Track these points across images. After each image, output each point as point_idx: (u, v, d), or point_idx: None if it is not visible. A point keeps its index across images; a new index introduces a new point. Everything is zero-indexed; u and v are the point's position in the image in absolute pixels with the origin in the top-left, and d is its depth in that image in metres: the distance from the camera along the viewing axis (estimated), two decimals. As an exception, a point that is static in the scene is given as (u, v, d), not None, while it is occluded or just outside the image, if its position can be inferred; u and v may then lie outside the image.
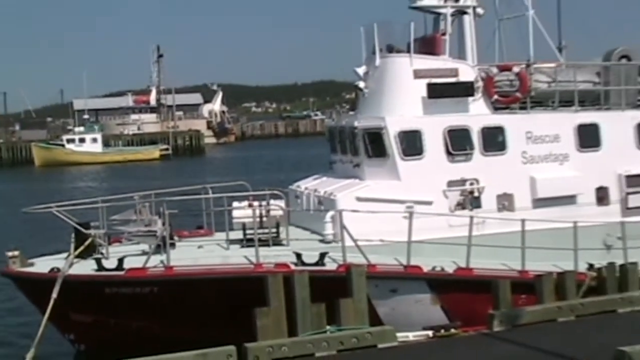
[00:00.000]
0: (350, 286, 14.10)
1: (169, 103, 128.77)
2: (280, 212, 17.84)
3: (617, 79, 19.97)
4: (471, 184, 18.22)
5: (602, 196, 19.16)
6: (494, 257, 16.86)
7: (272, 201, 18.30)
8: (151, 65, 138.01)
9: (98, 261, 16.41)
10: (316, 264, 16.15)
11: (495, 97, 18.79)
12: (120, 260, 16.29)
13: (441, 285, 16.79)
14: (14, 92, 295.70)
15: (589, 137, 19.15)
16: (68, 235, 17.21)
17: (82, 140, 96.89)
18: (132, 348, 12.70)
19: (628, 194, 19.25)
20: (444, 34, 19.15)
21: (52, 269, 16.45)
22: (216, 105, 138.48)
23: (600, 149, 19.26)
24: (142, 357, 11.82)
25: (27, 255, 17.45)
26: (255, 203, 17.89)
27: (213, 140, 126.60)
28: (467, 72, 18.78)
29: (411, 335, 14.06)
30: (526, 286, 15.73)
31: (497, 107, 18.95)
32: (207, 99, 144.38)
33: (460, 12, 19.55)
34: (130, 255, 16.57)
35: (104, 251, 17.03)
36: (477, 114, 18.60)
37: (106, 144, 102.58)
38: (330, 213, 17.37)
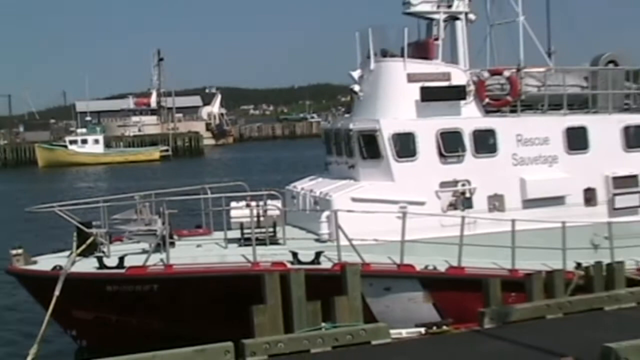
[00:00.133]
0: (345, 284, 14.11)
1: (169, 105, 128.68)
2: (277, 212, 17.83)
3: (604, 83, 20.00)
4: (463, 185, 18.23)
5: (589, 197, 19.18)
6: (484, 256, 16.87)
7: (269, 201, 18.31)
8: (152, 69, 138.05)
9: (99, 259, 16.39)
10: (312, 262, 16.13)
11: (487, 100, 18.80)
12: (121, 259, 16.27)
13: (433, 283, 16.79)
14: (18, 94, 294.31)
15: (577, 140, 19.17)
16: (70, 234, 17.17)
17: (84, 142, 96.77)
18: (132, 344, 12.68)
19: (615, 195, 19.27)
20: (436, 39, 19.16)
21: (54, 267, 16.42)
22: (215, 107, 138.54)
23: (588, 151, 19.28)
24: (142, 352, 11.82)
25: (31, 253, 17.42)
26: (253, 203, 17.90)
27: (212, 141, 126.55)
28: (459, 76, 18.79)
29: (404, 332, 14.09)
30: (516, 284, 15.77)
31: (488, 111, 18.97)
32: (206, 102, 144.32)
33: (452, 18, 19.55)
34: (130, 254, 16.55)
35: (105, 250, 17.01)
36: (468, 117, 18.62)
37: (108, 145, 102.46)
38: (326, 213, 17.36)
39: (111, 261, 16.37)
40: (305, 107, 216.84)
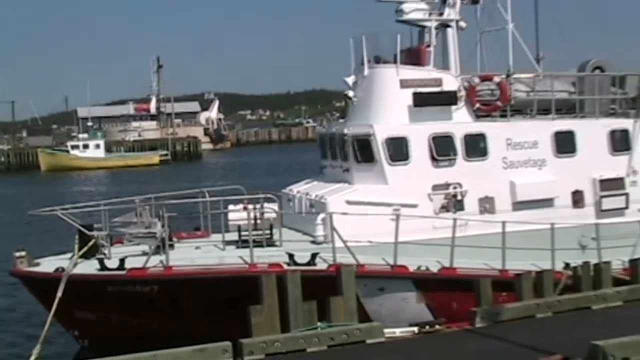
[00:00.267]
0: (340, 285, 14.10)
1: (168, 111, 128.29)
2: (274, 215, 17.82)
3: (591, 88, 20.07)
4: (454, 187, 18.24)
5: (577, 199, 19.21)
6: (476, 257, 16.88)
7: (266, 204, 18.27)
8: (151, 75, 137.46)
9: (101, 261, 16.36)
10: (308, 264, 16.12)
11: (477, 105, 18.83)
12: (122, 261, 16.24)
13: (426, 284, 16.79)
14: (21, 100, 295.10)
15: (565, 144, 19.21)
16: (72, 237, 17.14)
17: (85, 146, 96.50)
18: (133, 343, 12.66)
19: (602, 197, 19.30)
20: (428, 46, 19.19)
21: (57, 269, 16.39)
22: (213, 113, 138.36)
23: (575, 154, 19.31)
24: (142, 352, 11.80)
25: (34, 256, 17.38)
26: (250, 206, 17.86)
27: (210, 146, 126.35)
28: (451, 82, 18.81)
29: (398, 331, 14.08)
30: (506, 284, 15.80)
31: (478, 115, 19.00)
32: (205, 107, 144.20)
33: (444, 25, 19.57)
34: (131, 256, 16.52)
35: (106, 252, 16.97)
36: (460, 122, 18.63)
37: (108, 149, 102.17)
38: (321, 215, 17.36)
39: (112, 263, 16.34)
40: (301, 112, 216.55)
